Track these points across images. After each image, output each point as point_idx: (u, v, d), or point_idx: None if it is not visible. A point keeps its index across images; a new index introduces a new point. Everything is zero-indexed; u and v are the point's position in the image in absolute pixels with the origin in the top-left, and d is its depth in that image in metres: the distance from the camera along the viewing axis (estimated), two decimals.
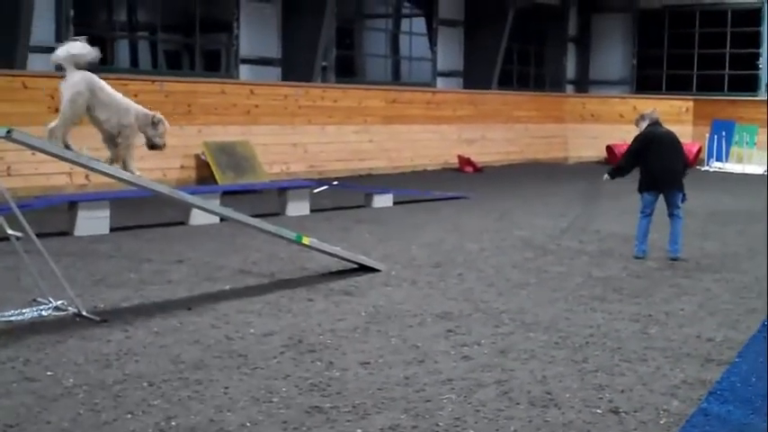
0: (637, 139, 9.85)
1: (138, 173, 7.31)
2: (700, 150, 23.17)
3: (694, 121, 24.36)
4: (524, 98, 24.44)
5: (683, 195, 9.78)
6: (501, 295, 7.83)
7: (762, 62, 24.71)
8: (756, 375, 3.05)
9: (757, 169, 22.12)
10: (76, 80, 6.74)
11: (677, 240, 9.76)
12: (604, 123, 24.56)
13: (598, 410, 4.97)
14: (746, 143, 23.16)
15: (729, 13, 25.41)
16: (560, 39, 26.72)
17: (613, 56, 27.18)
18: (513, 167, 22.04)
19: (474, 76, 23.32)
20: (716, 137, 23.45)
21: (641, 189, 9.80)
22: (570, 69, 27.17)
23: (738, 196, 16.62)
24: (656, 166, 9.62)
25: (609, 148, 23.25)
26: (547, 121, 24.69)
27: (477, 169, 20.51)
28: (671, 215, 9.78)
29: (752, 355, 3.17)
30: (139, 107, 7.29)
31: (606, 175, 10.28)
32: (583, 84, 27.35)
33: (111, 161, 7.18)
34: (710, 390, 3.12)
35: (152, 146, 7.32)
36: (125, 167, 7.21)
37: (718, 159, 23.19)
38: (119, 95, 7.10)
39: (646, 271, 9.09)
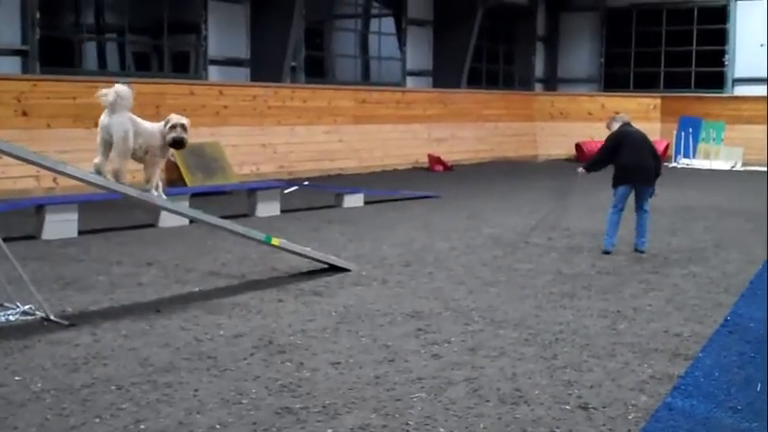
0: (610, 137, 10.07)
1: (157, 192, 7.83)
2: (667, 147, 23.37)
3: (662, 118, 24.57)
4: (494, 97, 24.55)
5: (653, 190, 9.97)
6: (471, 293, 7.86)
7: (728, 59, 24.95)
8: (720, 370, 3.09)
9: (724, 165, 22.34)
10: (124, 120, 7.43)
11: (644, 234, 9.99)
12: (573, 121, 24.73)
13: (567, 406, 5.00)
14: (713, 139, 23.38)
15: (696, 11, 25.64)
16: (529, 37, 26.86)
17: (581, 54, 27.36)
18: (483, 166, 22.12)
19: (443, 76, 23.39)
20: (683, 133, 23.66)
21: (616, 183, 9.98)
22: (539, 68, 27.32)
23: (706, 192, 16.78)
24: (630, 161, 9.85)
25: (578, 146, 23.40)
26: (516, 119, 24.81)
27: (448, 168, 20.56)
28: (638, 209, 9.97)
29: (715, 350, 3.21)
30: (155, 124, 7.75)
31: (581, 169, 10.48)
32: (551, 82, 27.51)
33: (146, 182, 7.82)
34: (675, 385, 3.16)
35: (175, 142, 7.68)
36: (150, 184, 7.80)
37: (686, 156, 23.41)
38: (147, 123, 7.71)
39: (614, 267, 9.15)
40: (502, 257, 9.67)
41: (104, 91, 7.39)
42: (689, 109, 24.04)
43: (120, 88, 7.39)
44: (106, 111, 7.46)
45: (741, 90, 24.62)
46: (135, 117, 7.60)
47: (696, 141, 23.60)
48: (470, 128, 23.11)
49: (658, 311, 7.27)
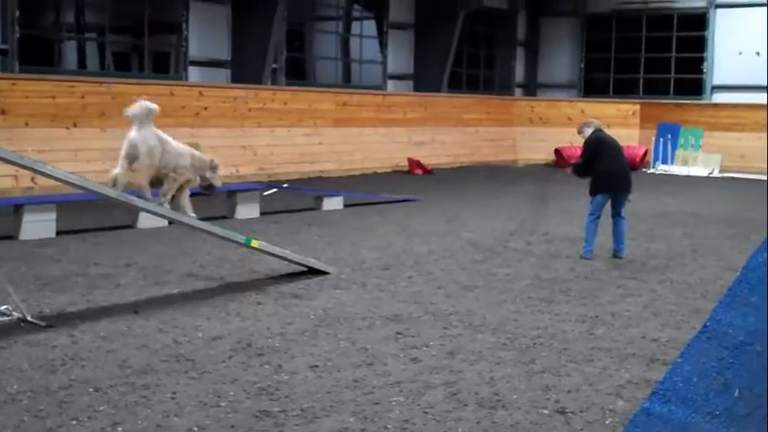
0: (589, 143, 10.06)
1: (192, 214, 8.08)
2: (646, 153, 23.50)
3: (641, 125, 24.69)
4: (474, 101, 24.60)
5: (629, 197, 10.03)
6: (449, 297, 7.87)
7: (706, 66, 25.13)
8: (698, 375, 3.10)
9: (702, 172, 22.48)
10: (150, 135, 7.69)
11: (622, 240, 10.04)
12: (553, 126, 24.79)
13: (545, 411, 5.02)
14: (692, 146, 23.52)
15: (675, 18, 25.79)
16: (509, 42, 26.94)
17: (561, 59, 27.46)
18: (462, 170, 22.15)
19: (424, 79, 23.42)
20: (662, 140, 23.79)
21: (593, 191, 9.99)
22: (519, 73, 27.40)
23: (683, 198, 16.88)
24: (610, 168, 9.91)
25: (557, 151, 23.48)
26: (496, 123, 24.87)
27: (427, 171, 20.59)
28: (615, 215, 10.01)
29: (694, 356, 3.22)
30: (195, 151, 8.17)
31: (568, 170, 10.56)
32: (531, 87, 27.60)
33: (161, 196, 7.99)
34: (653, 390, 3.17)
35: (208, 186, 8.22)
36: (175, 204, 8.07)
37: (664, 162, 23.53)
38: (175, 142, 8.03)
39: (592, 272, 9.19)
40: (481, 262, 9.69)
41: (132, 106, 7.65)
42: (667, 115, 24.18)
43: (147, 103, 7.64)
44: (133, 125, 7.65)
45: (719, 97, 24.79)
46: (163, 134, 7.86)
47: (674, 148, 23.73)
48: (451, 132, 23.15)
49: (636, 317, 7.30)
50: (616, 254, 9.98)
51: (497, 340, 6.49)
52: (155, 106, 7.67)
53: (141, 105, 7.62)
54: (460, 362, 5.92)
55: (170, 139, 7.88)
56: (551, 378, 5.61)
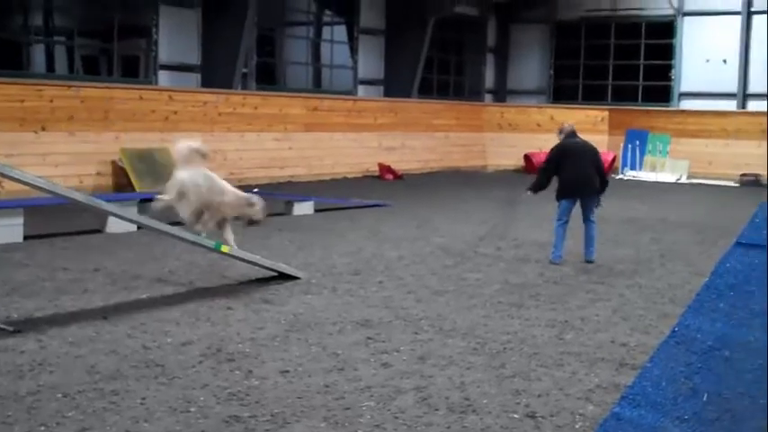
0: (552, 151, 10.18)
1: (234, 245, 8.58)
2: (614, 159, 23.67)
3: (609, 131, 24.88)
4: (444, 107, 24.68)
5: (598, 201, 10.10)
6: (420, 302, 7.88)
7: (674, 73, 25.35)
8: (666, 380, 3.13)
9: (669, 178, 22.67)
10: (197, 175, 8.29)
11: (592, 244, 10.13)
12: (522, 132, 24.93)
13: (515, 415, 5.03)
14: (659, 152, 23.73)
15: (644, 26, 26.01)
16: (479, 49, 27.06)
17: (531, 66, 27.62)
18: (432, 175, 22.21)
19: (395, 85, 23.46)
20: (630, 146, 23.98)
21: (558, 197, 10.10)
22: (489, 79, 27.52)
23: (652, 204, 17.01)
24: (570, 174, 10.01)
25: (527, 157, 23.60)
26: (466, 129, 24.95)
27: (398, 177, 20.62)
28: (585, 220, 10.12)
29: (663, 361, 3.26)
30: (236, 190, 8.83)
31: (528, 191, 10.53)
32: (501, 93, 27.73)
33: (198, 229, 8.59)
34: (623, 394, 3.19)
35: (250, 221, 8.85)
36: (204, 228, 8.66)
37: (632, 168, 23.73)
38: (221, 181, 8.71)
39: (562, 277, 9.24)
40: (451, 267, 9.71)
41: (178, 147, 8.26)
42: (636, 122, 24.39)
43: (191, 144, 8.22)
44: (181, 164, 8.28)
45: (687, 104, 25.03)
46: (210, 174, 8.46)
47: (642, 154, 23.94)
48: (421, 137, 23.20)
49: (605, 321, 7.35)
50: (586, 258, 10.09)
51: (468, 345, 6.50)
52: (201, 147, 8.26)
53: (186, 146, 8.21)
54: (431, 367, 5.93)
55: (215, 178, 8.56)
56: (521, 383, 5.63)
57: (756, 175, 21.75)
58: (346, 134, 20.94)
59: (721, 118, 23.59)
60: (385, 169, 20.80)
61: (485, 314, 7.51)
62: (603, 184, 10.27)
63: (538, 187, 10.39)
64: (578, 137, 10.34)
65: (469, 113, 25.42)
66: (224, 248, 8.25)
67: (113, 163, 15.62)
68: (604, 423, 3.06)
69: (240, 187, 15.73)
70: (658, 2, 25.38)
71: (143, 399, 5.12)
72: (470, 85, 27.04)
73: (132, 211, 10.20)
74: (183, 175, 8.17)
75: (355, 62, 23.04)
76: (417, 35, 23.33)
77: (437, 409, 5.08)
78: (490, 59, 27.53)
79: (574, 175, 9.99)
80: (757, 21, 24.01)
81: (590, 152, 10.24)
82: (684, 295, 8.13)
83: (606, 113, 25.16)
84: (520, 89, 27.62)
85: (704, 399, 2.90)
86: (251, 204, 8.77)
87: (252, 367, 5.78)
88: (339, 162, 20.53)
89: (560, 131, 10.38)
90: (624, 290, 8.69)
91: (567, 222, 10.11)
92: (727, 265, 3.27)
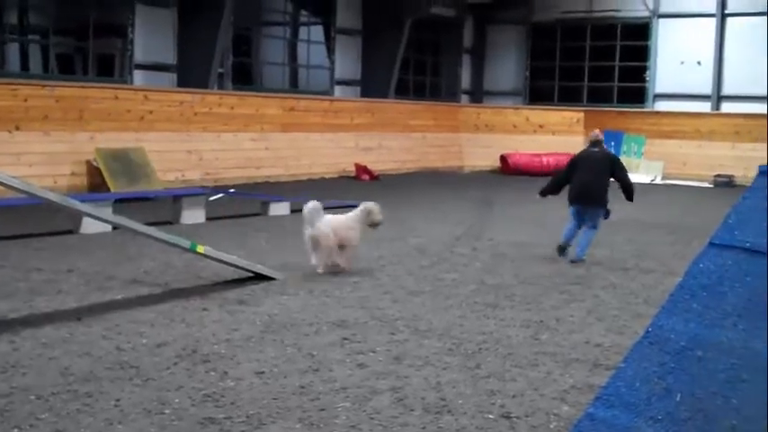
0: (569, 160, 10.72)
1: (347, 267, 9.30)
2: None
3: (585, 132, 24.95)
4: (421, 107, 24.71)
5: (607, 212, 10.45)
6: (396, 303, 7.89)
7: (649, 75, 25.51)
8: (640, 380, 3.14)
9: (644, 178, 22.80)
10: (323, 226, 9.13)
11: (583, 246, 10.33)
12: (498, 133, 25.00)
13: (490, 416, 5.05)
14: (634, 153, 23.87)
15: (619, 28, 26.16)
16: (456, 50, 27.12)
17: (507, 67, 27.72)
18: (409, 176, 22.23)
19: (371, 85, 23.48)
20: (605, 147, 24.07)
21: (568, 202, 10.50)
22: (465, 80, 27.59)
23: (626, 205, 17.05)
24: (575, 183, 10.38)
25: (503, 158, 23.67)
26: (442, 130, 25.00)
27: (374, 177, 20.63)
28: (586, 223, 10.42)
29: (636, 361, 3.27)
30: (349, 215, 9.55)
31: (538, 195, 10.96)
32: (478, 94, 27.81)
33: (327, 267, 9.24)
34: (597, 395, 3.20)
35: (374, 225, 9.64)
36: (347, 265, 9.36)
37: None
38: (342, 216, 9.55)
39: (537, 278, 9.28)
40: (427, 267, 9.72)
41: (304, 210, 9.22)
42: (611, 123, 24.52)
43: (313, 204, 9.19)
44: (307, 223, 9.11)
45: (661, 105, 25.20)
46: (330, 217, 9.34)
47: (618, 155, 24.05)
48: (397, 138, 23.22)
49: (580, 322, 7.38)
50: (574, 257, 10.22)
51: (443, 345, 6.51)
52: (318, 205, 9.19)
53: (309, 207, 9.16)
54: (407, 367, 5.93)
55: (340, 218, 9.44)
56: (497, 383, 5.65)
57: (730, 176, 21.93)
58: (323, 134, 20.93)
59: (695, 119, 23.78)
60: (361, 170, 20.81)
61: (460, 314, 7.53)
62: (627, 191, 10.58)
63: (546, 192, 10.82)
64: (600, 146, 10.64)
65: (446, 114, 25.47)
66: (199, 249, 8.22)
67: (88, 163, 15.53)
68: (578, 424, 3.07)
69: (217, 187, 15.76)
70: (634, 4, 25.54)
71: (117, 400, 5.09)
72: (447, 86, 27.10)
73: (107, 212, 10.14)
74: (311, 233, 9.12)
75: (332, 62, 23.04)
76: (394, 36, 23.36)
77: (412, 410, 5.09)
78: (467, 60, 27.60)
79: (578, 185, 10.33)
80: (731, 23, 24.21)
81: (602, 162, 10.46)
82: (658, 296, 8.18)
83: (582, 115, 25.29)
84: (496, 90, 27.72)
85: (677, 399, 2.91)
86: (369, 212, 9.53)
87: (227, 368, 5.77)
88: (316, 162, 20.51)
89: (588, 139, 10.74)
90: (599, 291, 8.73)
91: (576, 225, 10.43)
92: (701, 265, 3.30)
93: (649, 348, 3.32)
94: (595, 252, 11.03)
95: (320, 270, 9.08)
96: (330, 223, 9.23)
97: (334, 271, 9.14)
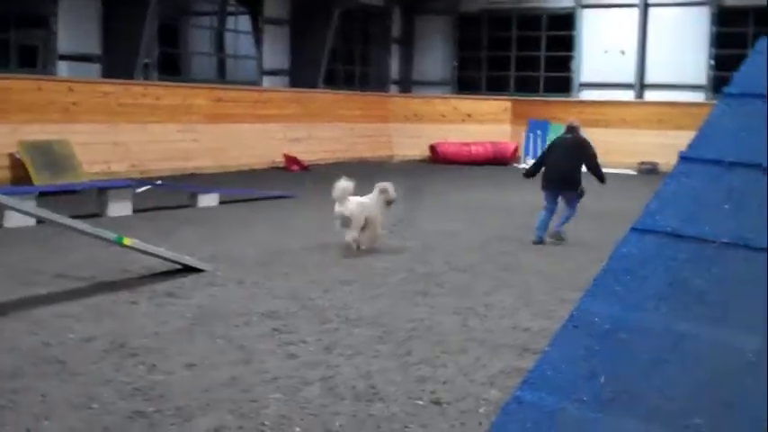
0: (546, 145, 11.52)
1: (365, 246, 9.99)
2: (516, 149, 24.04)
3: (512, 121, 25.23)
4: (350, 97, 24.69)
5: (580, 193, 10.98)
6: (326, 292, 7.89)
7: (574, 64, 25.85)
8: (566, 363, 3.21)
9: None
10: (352, 205, 9.76)
11: (562, 221, 10.99)
12: (427, 123, 25.10)
13: (420, 402, 5.09)
14: None
15: (545, 18, 26.45)
16: (384, 39, 27.13)
17: (436, 57, 27.82)
18: (339, 166, 22.14)
19: (300, 75, 23.38)
20: (532, 136, 24.39)
21: (542, 187, 11.07)
22: (394, 69, 27.63)
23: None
24: (548, 168, 11.02)
25: (432, 147, 23.79)
26: (372, 120, 25.01)
27: (304, 167, 20.57)
28: (566, 204, 11.03)
29: (562, 344, 3.33)
30: (374, 194, 10.17)
31: (523, 176, 11.71)
32: (406, 84, 27.87)
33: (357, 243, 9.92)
34: (524, 378, 3.26)
35: (389, 203, 10.25)
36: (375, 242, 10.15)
37: (535, 157, 24.10)
38: (368, 199, 10.11)
39: (467, 265, 9.36)
40: (357, 256, 9.74)
41: (334, 189, 9.78)
42: (537, 112, 24.79)
43: (344, 183, 9.74)
44: (337, 202, 9.73)
45: (586, 94, 25.56)
46: (361, 199, 9.97)
47: (544, 143, 24.36)
48: (327, 128, 23.17)
49: (509, 308, 7.48)
50: (553, 233, 10.88)
51: (374, 334, 6.54)
52: (350, 184, 9.73)
53: (340, 187, 9.71)
54: (337, 356, 5.95)
55: (365, 200, 9.99)
56: (427, 369, 5.70)
57: (654, 164, 22.35)
58: (252, 125, 20.78)
59: (620, 108, 24.18)
60: (291, 160, 20.73)
61: (391, 303, 7.57)
62: (597, 177, 11.13)
63: (528, 174, 11.52)
64: (575, 133, 11.22)
65: (375, 104, 25.49)
66: (126, 241, 8.12)
67: (11, 156, 15.20)
68: (506, 407, 3.12)
69: (144, 179, 15.56)
70: None
71: (44, 396, 5.02)
72: (376, 76, 27.11)
73: (31, 205, 9.95)
74: (341, 210, 9.72)
75: (260, 52, 22.88)
76: (322, 25, 23.28)
77: (343, 399, 5.11)
78: (396, 50, 27.64)
79: (550, 170, 10.96)
80: (654, 12, 24.64)
81: (573, 149, 11.03)
82: (584, 281, 8.30)
83: (509, 104, 25.52)
84: (425, 80, 27.82)
85: (602, 380, 2.98)
86: (384, 191, 10.15)
87: (156, 362, 5.72)
88: (244, 153, 20.37)
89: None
90: (528, 276, 8.85)
91: (549, 210, 10.91)
92: (624, 250, 3.37)
93: (574, 332, 3.39)
94: (525, 239, 11.17)
95: (354, 242, 9.76)
96: (358, 202, 9.85)
97: (358, 247, 9.80)
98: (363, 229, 9.89)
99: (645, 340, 3.20)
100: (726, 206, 3.66)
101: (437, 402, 5.08)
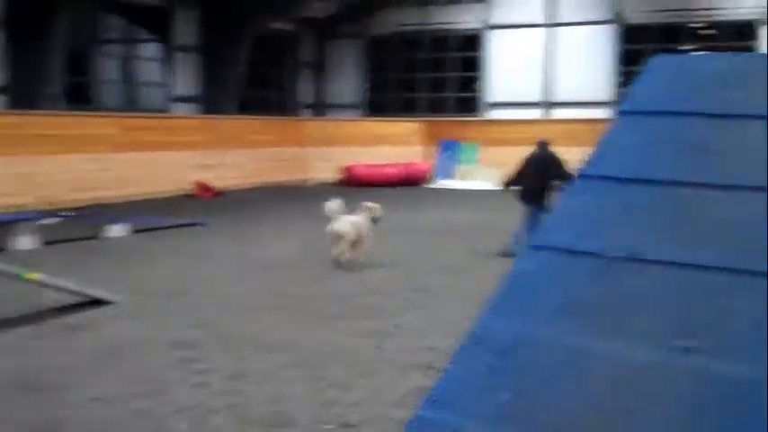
0: (522, 160, 11.89)
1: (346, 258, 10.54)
2: (428, 170, 24.24)
3: (424, 142, 25.45)
4: (263, 123, 24.57)
5: (546, 209, 11.22)
6: (239, 320, 7.82)
7: (481, 85, 26.22)
8: (468, 380, 3.21)
9: (480, 185, 23.32)
10: (346, 222, 10.52)
11: (518, 239, 11.22)
12: (341, 146, 25.12)
13: (330, 426, 5.08)
14: (470, 161, 24.48)
15: (452, 39, 26.80)
16: (297, 65, 27.17)
17: (347, 80, 27.97)
18: (252, 191, 22.06)
19: (213, 102, 23.25)
20: (443, 156, 24.63)
21: (519, 199, 11.65)
22: (307, 94, 27.65)
23: (464, 211, 17.49)
24: (523, 183, 11.64)
25: (346, 170, 23.82)
26: (286, 144, 24.92)
27: (216, 194, 20.39)
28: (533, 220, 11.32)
29: (464, 361, 3.34)
30: (362, 213, 10.80)
31: (503, 187, 12.27)
32: (320, 108, 27.93)
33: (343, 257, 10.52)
34: (427, 397, 3.26)
35: (374, 219, 10.88)
36: (359, 257, 10.65)
37: (446, 177, 24.35)
38: (353, 217, 10.71)
39: (380, 287, 9.38)
40: (270, 283, 9.68)
41: (330, 205, 10.65)
42: (448, 132, 25.07)
43: (334, 204, 10.57)
44: (330, 220, 10.52)
45: (494, 114, 25.94)
46: (349, 217, 10.62)
47: (454, 163, 24.64)
48: (240, 154, 23.00)
49: (419, 328, 7.51)
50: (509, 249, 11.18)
51: (287, 359, 6.50)
52: (340, 203, 10.57)
53: (332, 206, 10.56)
54: (247, 383, 5.89)
55: (355, 218, 10.65)
56: (338, 393, 5.68)
57: None
58: (162, 153, 20.53)
59: (527, 126, 24.55)
60: (202, 187, 20.53)
61: (303, 327, 7.53)
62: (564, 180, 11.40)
63: (507, 184, 12.10)
64: (544, 149, 11.82)
65: (289, 128, 25.42)
66: (31, 275, 7.93)
67: None
68: (408, 426, 3.11)
69: (51, 211, 15.24)
70: (466, 16, 26.21)
71: None
72: (289, 101, 27.11)
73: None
74: (336, 227, 10.45)
75: (170, 79, 22.66)
76: (234, 52, 23.22)
77: (251, 426, 5.05)
78: (308, 75, 27.68)
79: (523, 186, 11.60)
80: (560, 31, 25.17)
81: (543, 163, 11.60)
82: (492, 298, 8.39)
83: (420, 125, 25.73)
84: (338, 103, 27.93)
85: (504, 397, 2.99)
86: (370, 210, 10.82)
87: (61, 397, 5.59)
88: (155, 181, 20.10)
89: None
90: (438, 296, 8.91)
91: (528, 221, 11.29)
92: (521, 266, 3.43)
93: (475, 348, 3.40)
94: (434, 258, 11.24)
95: (347, 256, 10.39)
96: (350, 220, 10.55)
97: (349, 261, 10.39)
98: (355, 243, 10.52)
99: (543, 356, 3.24)
100: (620, 222, 3.74)
101: (346, 425, 5.07)
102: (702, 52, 22.19)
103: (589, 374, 3.19)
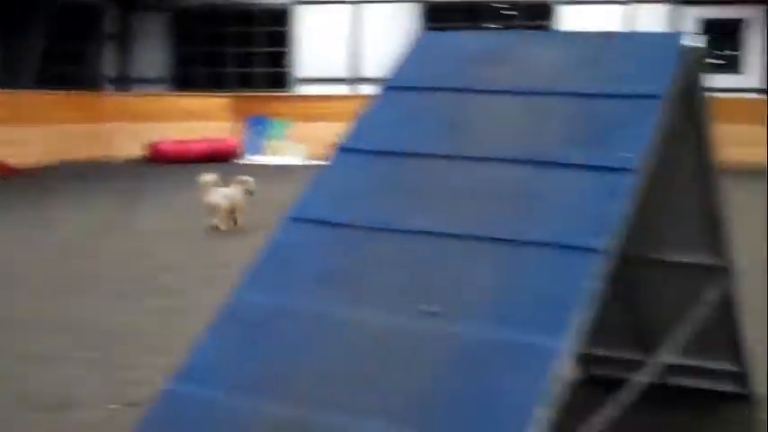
0: None
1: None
2: (237, 145, 24.14)
3: (232, 117, 25.25)
4: (64, 98, 23.71)
5: None
6: (24, 301, 7.64)
7: (291, 60, 26.29)
8: (220, 353, 3.35)
9: (290, 161, 23.40)
10: (220, 196, 11.49)
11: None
12: (146, 121, 24.57)
13: (116, 406, 5.08)
14: (279, 137, 24.57)
15: (261, 14, 26.73)
16: (99, 37, 26.35)
17: (153, 54, 27.36)
18: (53, 169, 21.29)
19: (10, 77, 22.25)
20: (252, 132, 24.60)
21: None
22: (110, 67, 26.90)
23: (274, 187, 17.51)
24: None
25: (151, 146, 23.36)
26: (88, 120, 24.16)
27: (13, 172, 19.56)
28: None
29: (217, 334, 3.47)
30: (236, 186, 11.80)
31: None
32: (124, 82, 27.22)
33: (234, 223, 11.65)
34: (177, 371, 3.37)
35: (248, 192, 11.86)
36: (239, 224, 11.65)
37: (255, 153, 24.31)
38: (231, 188, 11.76)
39: (180, 264, 9.36)
40: (61, 261, 9.48)
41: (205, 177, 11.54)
42: (256, 108, 24.99)
43: (209, 177, 11.50)
44: (207, 190, 11.41)
45: (304, 89, 26.08)
46: (223, 190, 11.55)
47: (264, 139, 24.65)
48: (38, 131, 22.11)
49: (214, 305, 7.53)
50: None
51: (73, 340, 6.42)
52: (214, 177, 11.51)
53: (207, 179, 11.46)
54: (32, 366, 5.80)
55: (228, 191, 11.59)
56: (126, 373, 5.68)
57: None
58: None
59: (336, 102, 24.79)
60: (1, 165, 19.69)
61: (94, 308, 7.45)
62: None
63: None
64: None
65: (90, 104, 24.64)
66: None
67: None
68: (157, 400, 3.21)
69: None
70: None
71: None
72: (91, 75, 26.27)
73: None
74: (212, 198, 11.39)
75: None
76: (32, 24, 22.29)
77: (34, 410, 5.00)
78: (111, 47, 26.90)
79: None
80: (366, 9, 25.57)
81: None
82: None
83: (229, 100, 25.53)
84: (143, 77, 27.28)
85: (256, 367, 3.14)
86: (244, 182, 11.79)
87: None
88: None
89: None
90: (238, 271, 8.94)
91: None
92: (278, 238, 3.56)
93: (230, 321, 3.53)
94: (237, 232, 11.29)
95: (223, 227, 11.30)
96: (224, 193, 11.44)
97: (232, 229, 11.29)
98: (231, 213, 11.45)
99: (296, 326, 3.40)
100: (375, 193, 3.94)
101: (133, 404, 5.07)
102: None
103: (337, 342, 3.38)
